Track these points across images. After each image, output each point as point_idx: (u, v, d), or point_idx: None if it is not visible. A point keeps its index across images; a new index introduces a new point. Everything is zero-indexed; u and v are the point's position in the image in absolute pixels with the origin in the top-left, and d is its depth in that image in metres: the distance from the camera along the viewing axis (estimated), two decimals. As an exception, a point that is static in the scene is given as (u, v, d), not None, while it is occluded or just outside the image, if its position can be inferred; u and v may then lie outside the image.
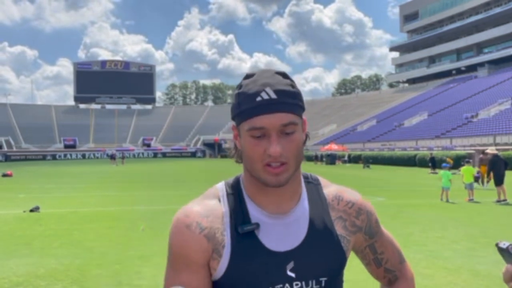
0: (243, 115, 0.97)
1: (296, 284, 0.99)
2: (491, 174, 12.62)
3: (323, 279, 1.01)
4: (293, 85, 0.99)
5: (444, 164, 14.27)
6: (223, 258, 0.99)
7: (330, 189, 1.11)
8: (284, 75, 1.00)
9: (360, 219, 1.09)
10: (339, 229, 1.06)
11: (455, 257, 5.98)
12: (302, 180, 1.08)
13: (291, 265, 0.99)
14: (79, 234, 7.67)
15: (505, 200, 11.92)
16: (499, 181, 12.28)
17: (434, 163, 27.98)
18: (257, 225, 1.00)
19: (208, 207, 1.03)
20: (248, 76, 1.01)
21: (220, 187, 1.09)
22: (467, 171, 12.81)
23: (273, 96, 0.95)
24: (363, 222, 1.09)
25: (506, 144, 33.07)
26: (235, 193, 1.05)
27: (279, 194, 1.02)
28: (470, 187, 12.49)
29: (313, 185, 1.10)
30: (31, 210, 10.38)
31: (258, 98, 0.95)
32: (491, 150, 13.74)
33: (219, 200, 1.05)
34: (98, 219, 9.30)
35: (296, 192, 1.05)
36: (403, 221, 8.87)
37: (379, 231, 1.14)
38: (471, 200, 12.29)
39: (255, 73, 1.01)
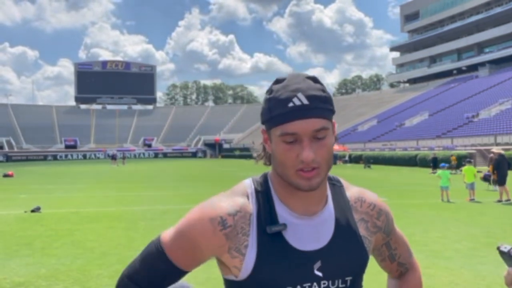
0: (274, 120, 0.98)
1: (324, 283, 1.01)
2: (496, 174, 12.67)
3: (348, 279, 1.04)
4: (323, 89, 1.00)
5: (442, 164, 14.22)
6: (248, 257, 1.00)
7: (352, 191, 1.14)
8: (314, 80, 1.01)
9: (381, 220, 1.14)
10: (362, 230, 1.10)
11: (457, 257, 5.97)
12: (327, 183, 1.11)
13: (318, 264, 1.01)
14: (80, 234, 7.67)
15: (508, 200, 11.91)
16: (502, 181, 12.28)
17: (435, 163, 27.95)
18: (285, 225, 1.01)
19: (237, 204, 1.03)
20: (278, 81, 1.02)
21: (248, 184, 1.08)
22: (469, 171, 12.80)
23: (305, 102, 0.95)
24: (383, 223, 1.14)
25: (507, 144, 33.05)
26: (264, 192, 1.06)
27: (309, 197, 1.03)
28: (471, 187, 12.49)
29: (337, 187, 1.13)
30: (32, 211, 10.39)
31: (290, 104, 0.95)
32: (496, 149, 13.71)
33: (248, 198, 1.05)
34: (99, 219, 9.30)
35: (324, 195, 1.07)
36: (404, 221, 8.85)
37: (393, 229, 1.20)
38: (472, 200, 12.28)
39: (286, 78, 1.02)
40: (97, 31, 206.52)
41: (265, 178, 1.09)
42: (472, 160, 14.62)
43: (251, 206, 1.03)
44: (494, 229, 8.14)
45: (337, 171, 29.33)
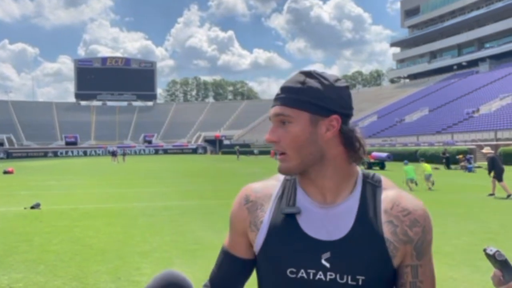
0: None
1: (330, 275, 1.00)
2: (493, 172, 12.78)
3: (360, 278, 0.99)
4: (304, 82, 1.04)
5: (405, 161, 16.56)
6: (260, 232, 1.08)
7: (389, 193, 1.07)
8: (307, 74, 1.06)
9: (414, 231, 1.03)
10: (387, 232, 1.02)
11: (456, 253, 5.97)
12: (360, 178, 1.09)
13: (327, 255, 1.01)
14: (79, 231, 7.67)
15: (510, 195, 12.03)
16: (501, 178, 12.44)
17: (448, 162, 27.65)
18: (298, 209, 1.06)
19: (265, 185, 1.15)
20: None
21: None
22: (428, 167, 15.48)
23: (278, 92, 1.07)
24: (416, 235, 1.03)
25: (507, 139, 33.01)
26: (292, 179, 1.13)
27: (319, 186, 1.07)
28: (427, 178, 15.05)
29: (371, 186, 1.09)
30: (32, 207, 10.40)
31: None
32: (487, 149, 13.85)
33: (279, 182, 1.14)
34: (98, 216, 9.30)
35: (339, 187, 1.07)
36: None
37: (428, 257, 1.06)
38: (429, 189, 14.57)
39: None
40: (96, 28, 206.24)
41: None
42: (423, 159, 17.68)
43: (276, 188, 1.13)
44: (493, 224, 8.15)
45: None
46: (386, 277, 1.02)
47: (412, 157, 35.57)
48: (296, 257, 1.02)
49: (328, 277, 1.00)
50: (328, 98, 1.03)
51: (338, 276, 0.99)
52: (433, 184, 15.12)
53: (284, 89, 1.06)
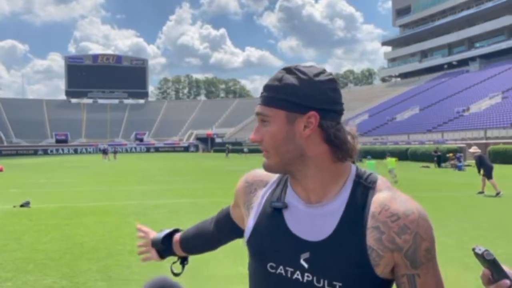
0: None
1: (307, 276, 0.98)
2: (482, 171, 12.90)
3: (337, 284, 0.96)
4: (282, 79, 1.01)
5: (368, 156, 17.77)
6: (250, 219, 1.11)
7: (380, 195, 1.00)
8: (287, 70, 1.04)
9: (403, 238, 0.95)
10: (370, 239, 0.96)
11: (446, 250, 6.01)
12: (351, 178, 1.04)
13: (306, 255, 0.99)
14: (69, 229, 7.60)
15: (498, 193, 12.15)
16: (491, 175, 12.56)
17: (440, 160, 27.78)
18: (285, 204, 1.06)
19: (266, 173, 1.15)
20: None
21: None
22: (392, 161, 16.77)
23: (262, 90, 1.06)
24: (406, 243, 0.95)
25: (496, 138, 33.33)
26: (287, 176, 1.13)
27: (303, 186, 1.05)
28: (392, 171, 16.33)
29: (363, 187, 1.02)
30: (22, 205, 10.29)
31: None
32: (474, 149, 13.98)
33: (276, 174, 1.16)
34: (89, 214, 9.23)
35: (324, 186, 1.03)
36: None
37: (428, 266, 0.98)
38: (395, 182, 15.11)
39: None
40: (86, 25, 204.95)
41: None
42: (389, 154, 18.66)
43: (272, 180, 1.15)
44: (482, 222, 8.23)
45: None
46: (366, 285, 0.97)
47: (403, 155, 35.91)
48: (277, 252, 1.02)
49: (305, 278, 0.97)
50: (305, 94, 0.98)
51: (315, 278, 0.97)
52: (395, 181, 15.83)
53: (265, 87, 1.05)
